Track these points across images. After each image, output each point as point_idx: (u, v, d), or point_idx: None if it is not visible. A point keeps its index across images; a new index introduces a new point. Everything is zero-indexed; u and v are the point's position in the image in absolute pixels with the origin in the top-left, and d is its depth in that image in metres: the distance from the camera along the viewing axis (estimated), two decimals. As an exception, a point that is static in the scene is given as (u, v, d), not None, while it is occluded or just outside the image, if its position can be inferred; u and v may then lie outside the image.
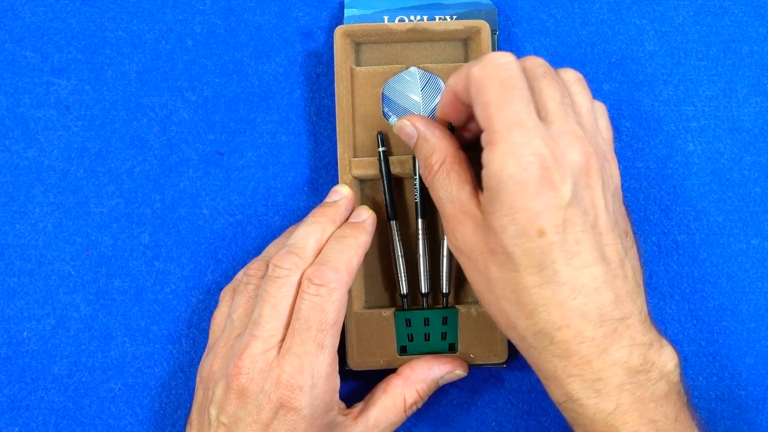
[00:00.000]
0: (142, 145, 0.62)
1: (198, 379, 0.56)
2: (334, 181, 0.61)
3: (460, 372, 0.58)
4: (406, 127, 0.55)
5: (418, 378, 0.57)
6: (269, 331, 0.53)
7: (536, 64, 0.52)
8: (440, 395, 0.61)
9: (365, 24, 0.60)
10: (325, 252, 0.54)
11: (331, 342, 0.53)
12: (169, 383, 0.61)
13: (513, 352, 0.58)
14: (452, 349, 0.59)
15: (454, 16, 0.61)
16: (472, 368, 0.59)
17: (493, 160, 0.48)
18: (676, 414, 0.50)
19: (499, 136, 0.48)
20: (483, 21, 0.59)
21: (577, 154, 0.49)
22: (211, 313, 0.59)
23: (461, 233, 0.51)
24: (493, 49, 0.60)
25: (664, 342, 0.51)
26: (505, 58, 0.50)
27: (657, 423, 0.49)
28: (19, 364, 0.61)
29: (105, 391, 0.61)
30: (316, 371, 0.52)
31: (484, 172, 0.49)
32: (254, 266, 0.57)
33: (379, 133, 0.59)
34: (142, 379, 0.61)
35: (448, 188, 0.52)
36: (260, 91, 0.63)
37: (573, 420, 0.50)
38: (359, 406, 0.57)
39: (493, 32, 0.59)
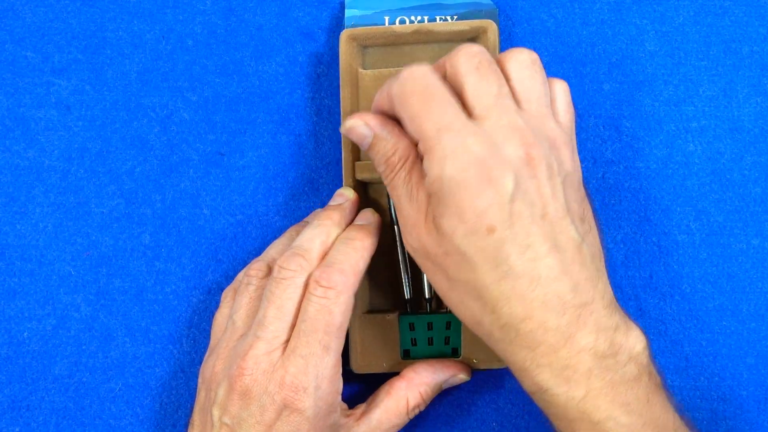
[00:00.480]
0: (142, 146, 0.62)
1: (200, 380, 0.56)
2: (335, 182, 0.61)
3: (463, 376, 0.58)
4: (359, 127, 0.54)
5: (422, 381, 0.57)
6: (273, 332, 0.53)
7: (467, 56, 0.51)
8: (441, 396, 0.60)
9: (370, 27, 0.60)
10: (332, 254, 0.54)
11: (337, 344, 0.53)
12: (170, 383, 0.62)
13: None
14: (455, 353, 0.59)
15: (455, 17, 0.61)
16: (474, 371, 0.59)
17: (431, 166, 0.49)
18: (648, 395, 0.50)
19: (431, 144, 0.49)
20: (489, 21, 0.59)
21: (515, 147, 0.49)
22: (212, 313, 0.59)
23: (418, 235, 0.51)
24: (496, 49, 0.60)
25: (631, 325, 0.51)
26: (420, 70, 0.51)
27: (629, 405, 0.49)
28: (20, 364, 0.61)
29: (105, 392, 0.61)
30: (320, 373, 0.52)
31: (427, 180, 0.49)
32: (255, 267, 0.57)
33: (383, 135, 0.59)
34: (143, 379, 0.61)
35: (409, 187, 0.51)
36: (261, 92, 0.63)
37: (545, 408, 0.51)
38: (362, 407, 0.57)
39: (494, 32, 0.59)
